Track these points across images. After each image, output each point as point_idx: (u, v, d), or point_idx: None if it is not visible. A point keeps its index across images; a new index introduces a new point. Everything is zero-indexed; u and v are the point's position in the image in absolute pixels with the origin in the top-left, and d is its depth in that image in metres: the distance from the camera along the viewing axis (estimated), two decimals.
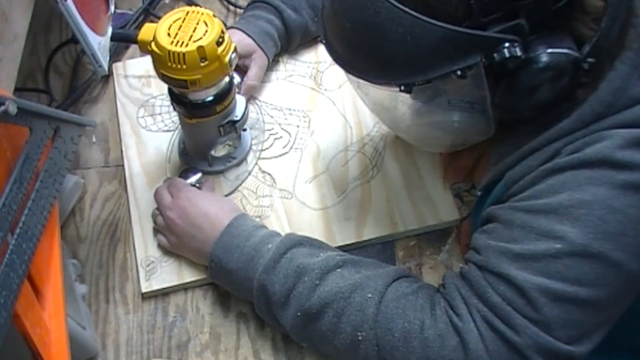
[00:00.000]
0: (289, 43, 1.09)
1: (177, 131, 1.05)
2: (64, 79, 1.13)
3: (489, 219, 0.81)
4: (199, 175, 0.97)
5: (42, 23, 1.17)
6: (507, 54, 0.70)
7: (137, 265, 0.95)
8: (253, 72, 1.04)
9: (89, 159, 1.05)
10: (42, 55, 1.15)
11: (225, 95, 0.91)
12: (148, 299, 0.93)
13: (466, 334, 0.75)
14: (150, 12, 1.18)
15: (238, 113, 0.95)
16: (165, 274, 0.93)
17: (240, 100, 0.96)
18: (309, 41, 1.12)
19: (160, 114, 1.07)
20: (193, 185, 0.96)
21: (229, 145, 1.02)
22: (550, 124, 0.77)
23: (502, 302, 0.74)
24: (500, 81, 0.74)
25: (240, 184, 1.00)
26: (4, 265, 0.63)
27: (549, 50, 0.71)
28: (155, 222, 0.96)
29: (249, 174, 1.01)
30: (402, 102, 0.82)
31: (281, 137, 1.04)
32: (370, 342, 0.79)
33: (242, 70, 1.05)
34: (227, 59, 0.85)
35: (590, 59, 0.72)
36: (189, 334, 0.91)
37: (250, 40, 1.03)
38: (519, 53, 0.70)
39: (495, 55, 0.70)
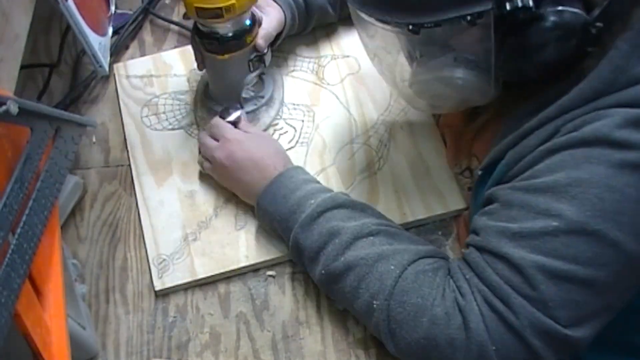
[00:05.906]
0: (307, 19, 1.08)
1: (195, 90, 1.08)
2: (64, 79, 1.13)
3: (489, 200, 0.81)
4: (239, 112, 0.99)
5: (42, 23, 1.17)
6: (519, 3, 0.70)
7: (137, 265, 0.95)
8: (268, 20, 1.02)
9: (89, 159, 1.05)
10: (43, 55, 1.15)
11: (252, 25, 0.97)
12: (148, 299, 0.93)
13: (468, 314, 0.76)
14: (150, 12, 1.18)
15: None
16: (178, 271, 0.93)
17: None
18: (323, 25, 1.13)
19: (164, 112, 1.07)
20: (234, 122, 0.98)
21: (256, 86, 1.05)
22: (550, 102, 0.77)
23: (500, 281, 0.75)
24: (508, 36, 0.75)
25: (273, 122, 1.04)
26: (5, 265, 0.63)
27: (559, 8, 0.72)
28: (202, 167, 0.98)
29: (283, 105, 1.06)
30: (403, 52, 0.84)
31: (286, 132, 1.05)
32: (383, 312, 0.80)
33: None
34: None
35: (598, 24, 0.72)
36: (189, 334, 0.91)
37: None
38: (531, 4, 0.71)
39: (507, 3, 0.71)
